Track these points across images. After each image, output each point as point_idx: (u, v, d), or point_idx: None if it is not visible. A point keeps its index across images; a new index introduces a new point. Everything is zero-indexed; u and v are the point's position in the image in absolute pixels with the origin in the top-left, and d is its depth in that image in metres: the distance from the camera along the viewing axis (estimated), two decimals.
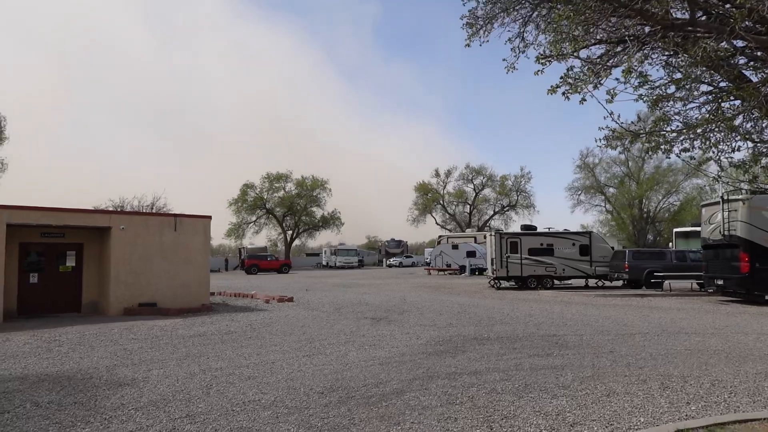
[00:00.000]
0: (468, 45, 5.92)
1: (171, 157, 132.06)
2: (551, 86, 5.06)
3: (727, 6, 4.20)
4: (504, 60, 5.74)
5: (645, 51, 5.30)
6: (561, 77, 5.11)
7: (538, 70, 5.22)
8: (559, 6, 4.82)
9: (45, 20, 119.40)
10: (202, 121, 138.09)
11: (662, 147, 5.40)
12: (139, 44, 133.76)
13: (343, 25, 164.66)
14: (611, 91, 4.85)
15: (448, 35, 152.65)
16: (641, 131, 5.83)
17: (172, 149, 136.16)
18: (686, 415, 5.61)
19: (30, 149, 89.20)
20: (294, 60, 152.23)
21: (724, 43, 4.92)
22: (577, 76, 5.06)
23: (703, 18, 4.83)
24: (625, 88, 4.88)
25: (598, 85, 5.12)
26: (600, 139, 5.57)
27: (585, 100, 5.07)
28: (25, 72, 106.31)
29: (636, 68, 4.93)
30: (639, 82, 4.91)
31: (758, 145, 5.50)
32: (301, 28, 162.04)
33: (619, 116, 5.30)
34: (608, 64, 5.09)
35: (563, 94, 5.06)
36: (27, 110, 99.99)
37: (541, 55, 5.34)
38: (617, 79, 4.95)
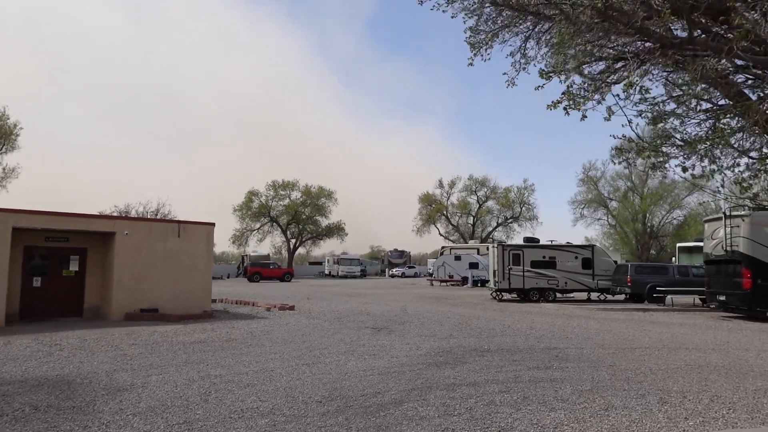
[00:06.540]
0: (471, 64, 5.98)
1: (166, 158, 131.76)
2: (552, 102, 5.10)
3: (725, 27, 4.25)
4: (504, 74, 5.80)
5: (645, 67, 5.35)
6: (562, 93, 5.16)
7: (539, 86, 5.27)
8: (560, 25, 4.88)
9: (30, 13, 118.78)
10: (191, 122, 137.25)
11: (662, 166, 5.45)
12: (121, 37, 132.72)
13: (336, 20, 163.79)
14: (610, 109, 4.90)
15: (447, 40, 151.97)
16: (646, 145, 5.87)
17: (165, 150, 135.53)
18: (683, 431, 5.60)
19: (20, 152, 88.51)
20: (285, 56, 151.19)
21: (724, 61, 4.98)
22: (577, 92, 5.10)
23: (702, 37, 4.88)
24: (625, 105, 4.93)
25: (601, 101, 5.16)
26: (613, 148, 5.63)
27: (586, 116, 5.12)
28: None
29: (637, 83, 4.97)
30: (639, 98, 4.95)
31: (756, 161, 5.53)
32: (292, 22, 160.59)
33: (633, 122, 5.32)
34: (609, 80, 5.15)
35: (564, 109, 5.10)
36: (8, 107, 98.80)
37: (543, 70, 5.39)
38: (617, 95, 5.00)
